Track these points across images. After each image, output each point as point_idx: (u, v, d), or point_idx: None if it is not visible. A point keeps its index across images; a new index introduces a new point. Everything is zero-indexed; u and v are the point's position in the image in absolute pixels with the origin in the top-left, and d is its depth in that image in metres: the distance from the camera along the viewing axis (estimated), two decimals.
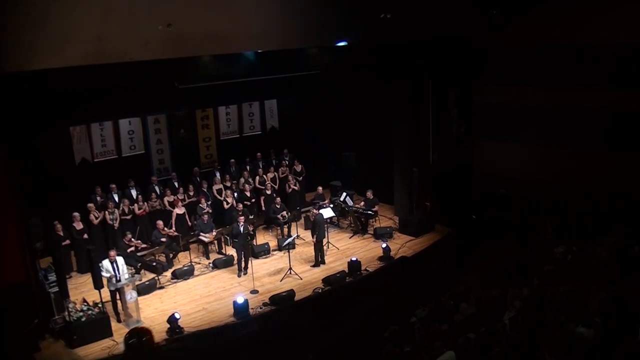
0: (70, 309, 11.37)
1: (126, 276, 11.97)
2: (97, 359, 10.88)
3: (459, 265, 14.66)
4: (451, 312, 11.95)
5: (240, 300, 11.96)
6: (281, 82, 15.39)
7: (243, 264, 13.86)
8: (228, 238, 14.91)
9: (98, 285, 11.59)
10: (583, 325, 9.49)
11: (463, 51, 15.20)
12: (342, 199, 16.29)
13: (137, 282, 13.10)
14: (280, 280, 13.44)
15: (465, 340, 10.05)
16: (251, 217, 15.08)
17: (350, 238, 15.71)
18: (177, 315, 11.43)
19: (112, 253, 11.94)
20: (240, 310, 11.98)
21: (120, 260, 11.97)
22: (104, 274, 11.82)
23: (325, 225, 15.22)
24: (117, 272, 11.89)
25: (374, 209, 15.75)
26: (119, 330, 11.71)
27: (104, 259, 11.94)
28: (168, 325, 11.48)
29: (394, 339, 11.53)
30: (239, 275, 13.80)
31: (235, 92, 16.16)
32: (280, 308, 12.25)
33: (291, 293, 12.55)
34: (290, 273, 13.58)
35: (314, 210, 14.37)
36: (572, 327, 9.64)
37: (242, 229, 13.71)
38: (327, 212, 14.75)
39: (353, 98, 17.23)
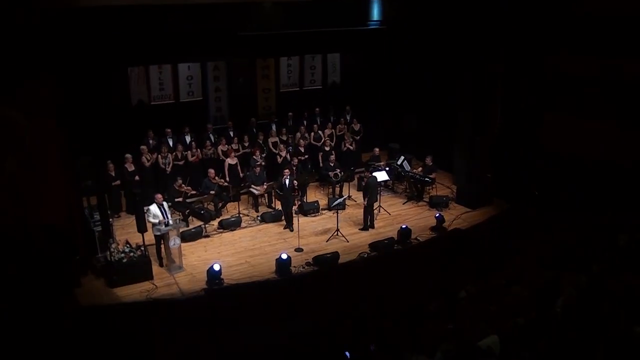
0: (112, 250, 11.42)
1: (171, 222, 11.90)
2: (135, 300, 10.95)
3: (515, 243, 13.82)
4: (501, 292, 11.31)
5: (283, 257, 11.70)
6: (346, 36, 14.75)
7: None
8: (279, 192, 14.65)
9: (141, 228, 11.56)
10: None
11: (540, 17, 13.97)
12: (399, 162, 15.66)
13: (184, 229, 13.13)
14: (326, 241, 13.08)
15: (513, 325, 9.48)
16: (302, 172, 14.70)
17: (403, 204, 15.12)
18: (216, 267, 11.30)
19: (159, 196, 11.88)
20: (283, 267, 11.74)
21: (165, 205, 11.88)
22: (151, 219, 11.77)
23: (379, 189, 14.71)
24: (165, 216, 11.85)
25: (431, 176, 15.04)
26: (160, 275, 11.78)
27: (152, 203, 11.91)
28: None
29: (438, 314, 11.09)
30: (285, 227, 13.62)
31: (298, 43, 15.78)
32: (322, 269, 11.92)
33: (335, 255, 12.19)
34: (337, 234, 13.19)
35: (367, 173, 13.81)
36: (630, 324, 8.87)
37: (287, 182, 13.35)
38: (381, 176, 14.18)
39: (419, 57, 16.39)
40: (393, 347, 9.45)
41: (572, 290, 10.62)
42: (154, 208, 11.71)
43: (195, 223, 13.73)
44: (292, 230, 13.44)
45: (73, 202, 11.41)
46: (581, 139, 14.45)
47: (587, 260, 12.61)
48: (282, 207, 13.83)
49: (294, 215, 13.54)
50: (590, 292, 10.56)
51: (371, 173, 13.88)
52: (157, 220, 11.77)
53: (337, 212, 13.45)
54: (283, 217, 13.86)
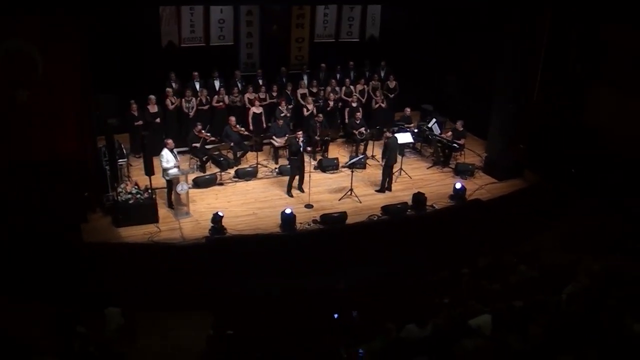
0: (120, 190, 11.52)
1: (180, 167, 11.87)
2: (137, 242, 11.05)
3: (539, 221, 13.07)
4: (509, 271, 10.77)
5: (287, 211, 11.50)
6: None
7: (296, 183, 13.04)
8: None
9: (149, 171, 11.56)
10: None
11: None
12: (430, 125, 14.99)
13: (198, 175, 13.13)
14: (339, 200, 12.75)
15: (508, 307, 9.02)
16: (325, 128, 14.31)
17: (427, 168, 14.50)
18: (220, 214, 11.23)
19: (169, 141, 11.80)
20: (286, 222, 11.56)
21: (174, 150, 11.82)
22: (164, 164, 11.72)
23: (405, 150, 14.25)
24: (177, 161, 11.85)
25: (459, 142, 14.31)
26: (167, 219, 11.81)
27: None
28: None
29: (439, 286, 10.71)
30: (288, 193, 12.96)
31: None
32: (327, 229, 11.66)
33: (343, 215, 11.88)
34: (350, 194, 12.83)
35: (388, 132, 13.23)
36: (631, 322, 8.26)
37: (301, 146, 12.67)
38: (404, 137, 13.60)
39: (464, 16, 15.46)
40: (378, 315, 9.23)
41: (585, 278, 10.02)
42: (165, 153, 11.65)
43: (212, 170, 13.69)
44: (291, 196, 12.85)
45: (86, 138, 11.44)
46: (626, 116, 13.37)
47: (613, 249, 11.93)
48: (291, 171, 13.02)
49: (299, 178, 12.99)
50: (603, 283, 9.93)
51: (393, 133, 13.29)
52: (170, 165, 11.74)
53: (352, 171, 13.02)
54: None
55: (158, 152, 12.12)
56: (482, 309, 8.88)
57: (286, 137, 14.06)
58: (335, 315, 9.43)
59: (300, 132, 12.93)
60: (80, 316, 9.35)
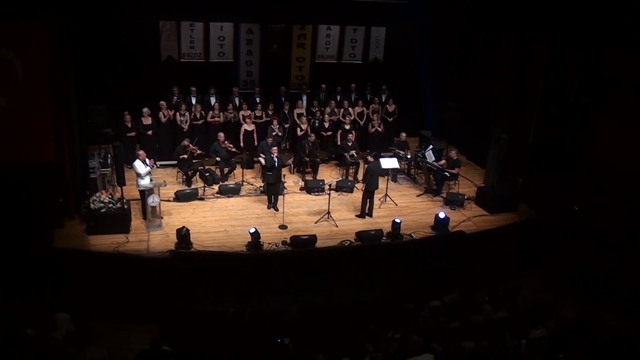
0: (94, 198, 11.63)
1: (152, 179, 11.92)
2: (103, 250, 11.08)
3: (528, 258, 12.38)
4: (473, 310, 10.19)
5: (251, 230, 11.31)
6: (394, 8, 13.85)
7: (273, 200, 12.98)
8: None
9: (120, 182, 11.64)
10: None
11: (598, 6, 12.15)
12: (425, 151, 14.56)
13: (179, 189, 13.17)
14: (315, 223, 12.47)
15: (456, 348, 8.53)
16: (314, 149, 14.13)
17: (417, 196, 14.04)
18: (185, 229, 11.16)
19: (142, 153, 11.85)
20: (253, 241, 11.36)
21: (147, 161, 11.85)
22: (139, 170, 11.77)
23: (399, 177, 13.97)
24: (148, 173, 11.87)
25: (452, 171, 13.79)
26: (138, 230, 11.84)
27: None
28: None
29: (397, 319, 10.26)
30: (269, 208, 12.97)
31: (341, 11, 15.17)
32: (293, 251, 11.39)
33: (313, 238, 11.59)
34: (327, 217, 12.55)
35: (369, 157, 12.87)
36: None
37: (276, 161, 12.54)
38: (389, 163, 13.18)
39: (468, 42, 15.09)
40: (317, 344, 8.89)
41: (554, 324, 9.39)
42: (137, 163, 11.72)
43: (199, 185, 13.71)
44: (277, 210, 12.83)
45: (64, 145, 11.60)
46: (630, 151, 12.56)
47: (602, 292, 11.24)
48: (267, 188, 13.06)
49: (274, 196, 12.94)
50: (571, 331, 9.27)
51: (375, 158, 12.90)
52: (144, 171, 11.78)
53: (330, 193, 12.71)
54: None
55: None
56: (431, 347, 8.42)
57: None
58: (279, 340, 9.15)
59: (276, 148, 12.76)
60: (32, 319, 9.42)
